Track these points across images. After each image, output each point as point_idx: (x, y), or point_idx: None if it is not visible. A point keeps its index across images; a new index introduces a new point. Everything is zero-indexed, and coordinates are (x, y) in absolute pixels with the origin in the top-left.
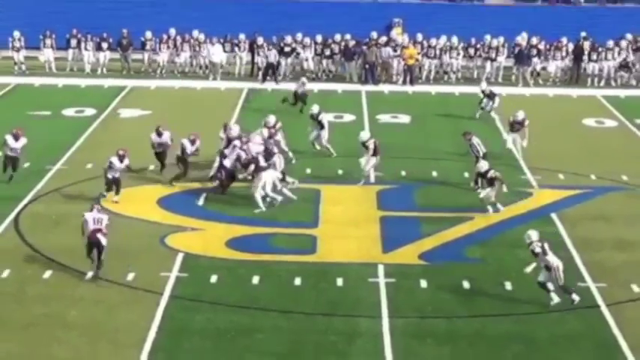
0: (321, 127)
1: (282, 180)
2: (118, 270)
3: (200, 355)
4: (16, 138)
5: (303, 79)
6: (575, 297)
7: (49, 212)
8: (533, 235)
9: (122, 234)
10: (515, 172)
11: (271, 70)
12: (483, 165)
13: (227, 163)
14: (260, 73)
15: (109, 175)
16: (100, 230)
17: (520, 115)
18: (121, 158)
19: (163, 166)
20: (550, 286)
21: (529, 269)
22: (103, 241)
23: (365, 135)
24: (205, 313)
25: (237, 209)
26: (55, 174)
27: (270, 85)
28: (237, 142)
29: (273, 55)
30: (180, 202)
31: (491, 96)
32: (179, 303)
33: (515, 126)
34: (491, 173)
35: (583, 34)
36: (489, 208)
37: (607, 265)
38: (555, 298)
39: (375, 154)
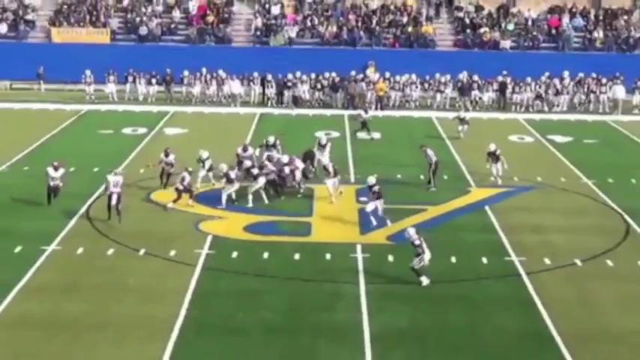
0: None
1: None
2: (164, 248)
3: (224, 310)
4: (56, 169)
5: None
6: (424, 279)
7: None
8: (412, 231)
9: (168, 221)
10: (458, 175)
11: (281, 97)
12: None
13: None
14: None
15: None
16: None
17: (492, 146)
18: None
19: (168, 181)
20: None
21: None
22: (118, 197)
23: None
24: (228, 280)
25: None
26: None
27: (277, 110)
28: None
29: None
30: (210, 199)
31: (463, 122)
32: (209, 273)
33: (492, 156)
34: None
35: (504, 72)
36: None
37: (526, 244)
38: (425, 281)
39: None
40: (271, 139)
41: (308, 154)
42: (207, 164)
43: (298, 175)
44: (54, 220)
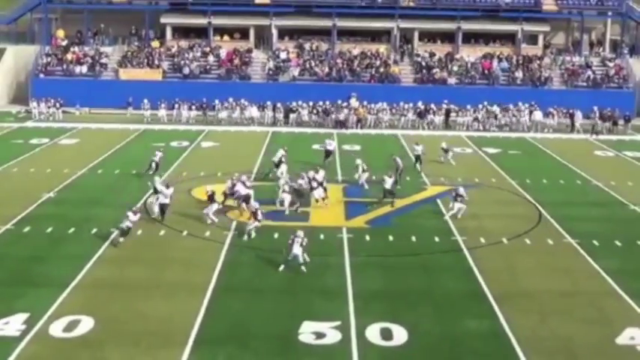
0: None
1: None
2: (200, 230)
3: (246, 275)
4: (167, 186)
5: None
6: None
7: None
8: (299, 233)
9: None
10: (418, 177)
11: (287, 119)
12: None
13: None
14: (281, 121)
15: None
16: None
17: (443, 144)
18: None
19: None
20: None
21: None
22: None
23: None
24: (248, 255)
25: (268, 196)
26: (166, 177)
27: (284, 129)
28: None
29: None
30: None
31: (446, 150)
32: (234, 249)
33: (458, 197)
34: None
35: (445, 101)
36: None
37: (467, 228)
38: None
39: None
40: (276, 158)
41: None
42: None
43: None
44: (120, 210)
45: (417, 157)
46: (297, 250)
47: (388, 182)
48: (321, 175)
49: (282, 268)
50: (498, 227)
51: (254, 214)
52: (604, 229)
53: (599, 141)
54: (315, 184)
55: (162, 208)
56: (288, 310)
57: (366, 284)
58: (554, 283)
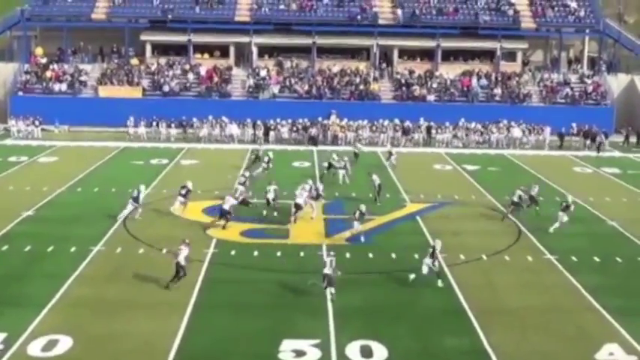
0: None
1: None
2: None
3: (226, 293)
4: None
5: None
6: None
7: (142, 216)
8: (328, 258)
9: (183, 229)
10: (397, 194)
11: (267, 136)
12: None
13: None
14: (261, 138)
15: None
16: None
17: (362, 207)
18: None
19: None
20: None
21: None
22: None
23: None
24: (228, 272)
25: (248, 213)
26: (146, 195)
27: (264, 146)
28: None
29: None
30: (213, 211)
31: (390, 154)
32: (214, 266)
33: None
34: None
35: (422, 119)
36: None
37: (447, 244)
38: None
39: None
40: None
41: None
42: (184, 191)
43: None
44: (99, 228)
45: (379, 187)
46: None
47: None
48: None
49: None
50: (478, 244)
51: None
52: (583, 245)
53: (577, 157)
54: (315, 194)
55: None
56: (269, 328)
57: (346, 301)
58: (533, 300)
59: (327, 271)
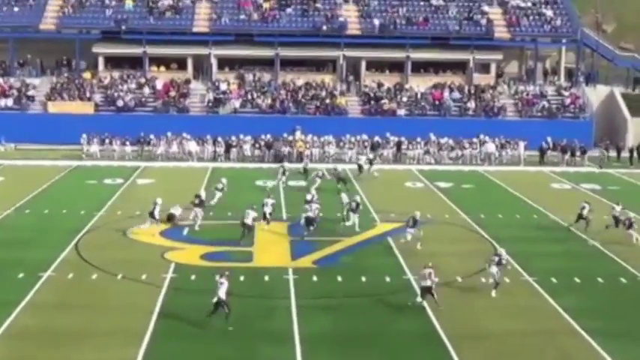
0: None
1: None
2: (137, 273)
3: (186, 320)
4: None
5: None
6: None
7: (95, 240)
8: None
9: (140, 252)
10: (367, 213)
11: (228, 154)
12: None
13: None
14: (222, 156)
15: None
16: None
17: (417, 214)
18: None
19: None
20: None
21: None
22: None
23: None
24: (187, 297)
25: (208, 236)
26: (99, 217)
27: (225, 164)
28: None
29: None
30: (172, 233)
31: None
32: (172, 292)
33: (410, 222)
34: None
35: (388, 133)
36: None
37: (420, 265)
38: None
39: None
40: (220, 184)
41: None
42: (158, 209)
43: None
44: (50, 252)
45: (357, 206)
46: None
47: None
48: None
49: None
50: (452, 265)
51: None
52: (563, 265)
53: (555, 173)
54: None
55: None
56: (231, 357)
57: (313, 328)
58: (511, 324)
59: (220, 294)
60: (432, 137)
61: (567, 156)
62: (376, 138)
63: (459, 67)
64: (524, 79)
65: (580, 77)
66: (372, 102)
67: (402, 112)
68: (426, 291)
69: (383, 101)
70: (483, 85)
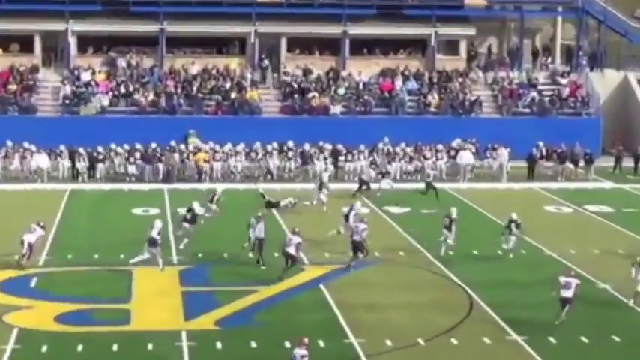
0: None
1: None
2: None
3: None
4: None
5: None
6: None
7: None
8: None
9: None
10: None
11: (92, 171)
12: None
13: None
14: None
15: None
16: None
17: (361, 226)
18: None
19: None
20: None
21: None
22: None
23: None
24: None
25: (63, 289)
26: None
27: (89, 186)
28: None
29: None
30: (15, 285)
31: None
32: None
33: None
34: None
35: (321, 142)
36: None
37: (365, 323)
38: None
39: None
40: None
41: None
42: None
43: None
44: None
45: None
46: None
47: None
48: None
49: None
50: (411, 322)
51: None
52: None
53: (549, 191)
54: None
55: None
56: None
57: None
58: None
59: None
60: (381, 145)
61: (566, 167)
62: (305, 146)
63: (417, 46)
64: (506, 62)
65: (582, 59)
66: (296, 96)
67: (337, 109)
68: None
69: (311, 95)
70: (450, 71)
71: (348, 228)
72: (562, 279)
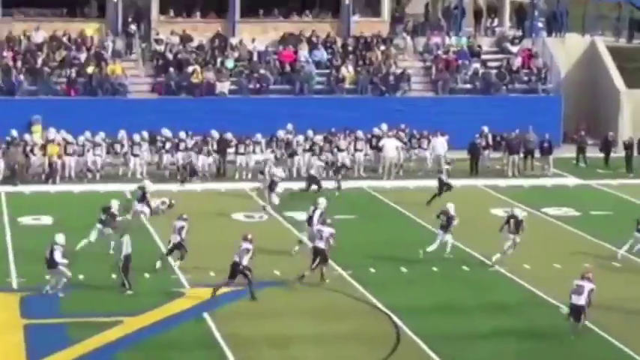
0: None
1: None
2: None
3: None
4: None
5: None
6: None
7: None
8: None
9: None
10: (165, 271)
11: None
12: None
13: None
14: None
15: None
16: None
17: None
18: None
19: None
20: None
21: None
22: None
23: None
24: None
25: None
26: None
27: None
28: None
29: None
30: None
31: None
32: None
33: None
34: None
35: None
36: None
37: None
38: None
39: None
40: None
41: None
42: None
43: None
44: None
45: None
46: None
47: None
48: None
49: None
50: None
51: None
52: (516, 354)
53: (497, 190)
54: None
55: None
56: None
57: None
58: None
59: None
60: (281, 133)
61: (518, 158)
62: (182, 135)
63: (327, 5)
64: (441, 25)
65: (538, 21)
66: (172, 70)
67: (225, 87)
68: None
69: (191, 69)
70: (370, 37)
71: (311, 233)
72: (575, 282)
